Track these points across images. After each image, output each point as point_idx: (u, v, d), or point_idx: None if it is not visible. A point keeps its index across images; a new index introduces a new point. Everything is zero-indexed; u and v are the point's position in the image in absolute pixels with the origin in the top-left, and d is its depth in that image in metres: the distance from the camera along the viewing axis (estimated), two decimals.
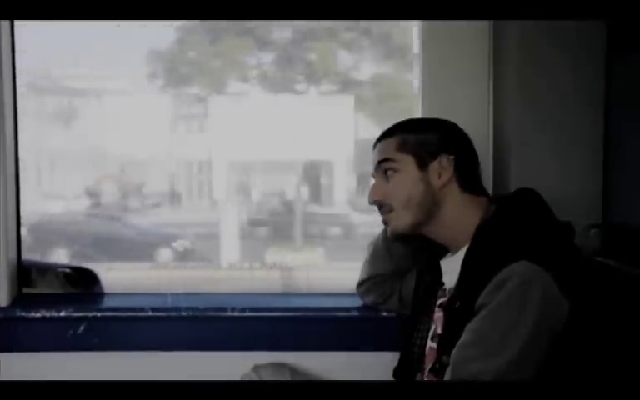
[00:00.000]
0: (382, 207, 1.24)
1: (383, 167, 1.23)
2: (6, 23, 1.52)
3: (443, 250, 1.24)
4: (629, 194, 1.43)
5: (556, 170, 1.42)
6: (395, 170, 1.21)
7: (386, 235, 1.38)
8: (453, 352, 1.04)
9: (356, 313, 1.50)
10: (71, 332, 1.49)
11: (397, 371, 1.31)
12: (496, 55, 1.49)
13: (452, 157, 1.18)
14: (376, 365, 1.42)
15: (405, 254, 1.39)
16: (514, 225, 1.08)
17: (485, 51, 1.47)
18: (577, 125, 1.43)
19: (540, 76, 1.44)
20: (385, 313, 1.47)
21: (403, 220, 1.21)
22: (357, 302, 1.51)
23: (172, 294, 1.60)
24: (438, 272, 1.22)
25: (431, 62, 1.49)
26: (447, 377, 1.04)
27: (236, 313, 1.50)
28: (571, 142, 1.43)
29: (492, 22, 1.47)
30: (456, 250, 1.18)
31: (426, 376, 1.19)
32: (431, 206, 1.19)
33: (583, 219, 1.38)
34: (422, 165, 1.19)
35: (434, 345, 1.18)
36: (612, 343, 1.07)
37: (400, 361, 1.30)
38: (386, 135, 1.25)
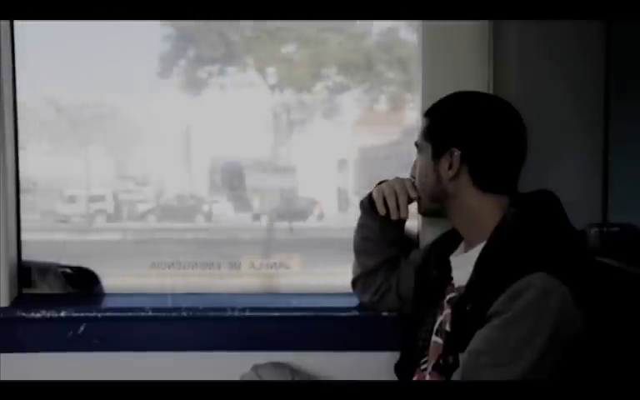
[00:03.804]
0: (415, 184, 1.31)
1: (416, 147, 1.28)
2: (6, 23, 1.52)
3: (452, 246, 1.24)
4: (629, 194, 1.43)
5: (556, 170, 1.42)
6: (419, 154, 1.26)
7: (360, 230, 1.42)
8: (464, 357, 1.03)
9: (356, 313, 1.50)
10: (71, 332, 1.49)
11: (398, 366, 1.31)
12: (496, 55, 1.48)
13: (458, 152, 1.15)
14: (376, 365, 1.42)
15: (386, 242, 1.41)
16: (533, 233, 1.07)
17: (485, 51, 1.46)
18: (577, 125, 1.43)
19: (540, 76, 1.44)
20: (385, 313, 1.47)
21: (422, 202, 1.30)
22: (357, 301, 1.51)
23: (172, 294, 1.60)
24: (447, 268, 1.22)
25: (431, 62, 1.48)
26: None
27: (236, 313, 1.50)
28: (571, 142, 1.43)
29: (492, 22, 1.47)
30: (469, 246, 1.17)
31: (429, 372, 1.19)
32: (442, 196, 1.20)
33: (583, 219, 1.38)
34: (435, 155, 1.19)
35: (439, 340, 1.18)
36: (621, 348, 1.08)
37: (402, 355, 1.30)
38: (425, 114, 1.27)
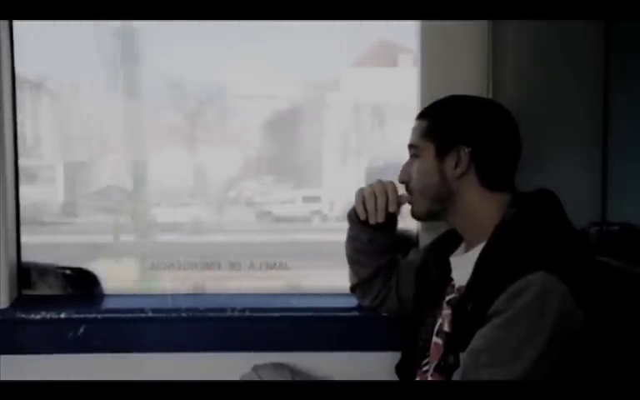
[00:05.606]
0: (407, 188, 1.27)
1: (410, 150, 1.25)
2: (5, 23, 1.52)
3: (452, 246, 1.24)
4: (629, 193, 1.43)
5: (556, 169, 1.42)
6: (417, 156, 1.23)
7: (350, 241, 1.42)
8: (464, 356, 1.03)
9: (356, 313, 1.50)
10: (71, 333, 1.49)
11: (399, 367, 1.30)
12: (495, 55, 1.49)
13: (468, 149, 1.15)
14: (376, 365, 1.42)
15: (378, 252, 1.40)
16: (533, 232, 1.07)
17: (484, 51, 1.47)
18: (577, 124, 1.43)
19: (539, 76, 1.44)
20: (385, 313, 1.47)
21: (420, 206, 1.25)
22: (357, 302, 1.51)
23: (172, 295, 1.60)
24: (447, 268, 1.22)
25: (430, 63, 1.49)
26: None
27: (236, 314, 1.50)
28: (570, 142, 1.43)
29: (491, 22, 1.47)
30: (470, 246, 1.17)
31: (430, 373, 1.19)
32: (446, 196, 1.19)
33: (583, 219, 1.38)
34: (440, 154, 1.18)
35: (439, 341, 1.18)
36: (621, 347, 1.09)
37: (403, 356, 1.30)
38: (420, 116, 1.25)
